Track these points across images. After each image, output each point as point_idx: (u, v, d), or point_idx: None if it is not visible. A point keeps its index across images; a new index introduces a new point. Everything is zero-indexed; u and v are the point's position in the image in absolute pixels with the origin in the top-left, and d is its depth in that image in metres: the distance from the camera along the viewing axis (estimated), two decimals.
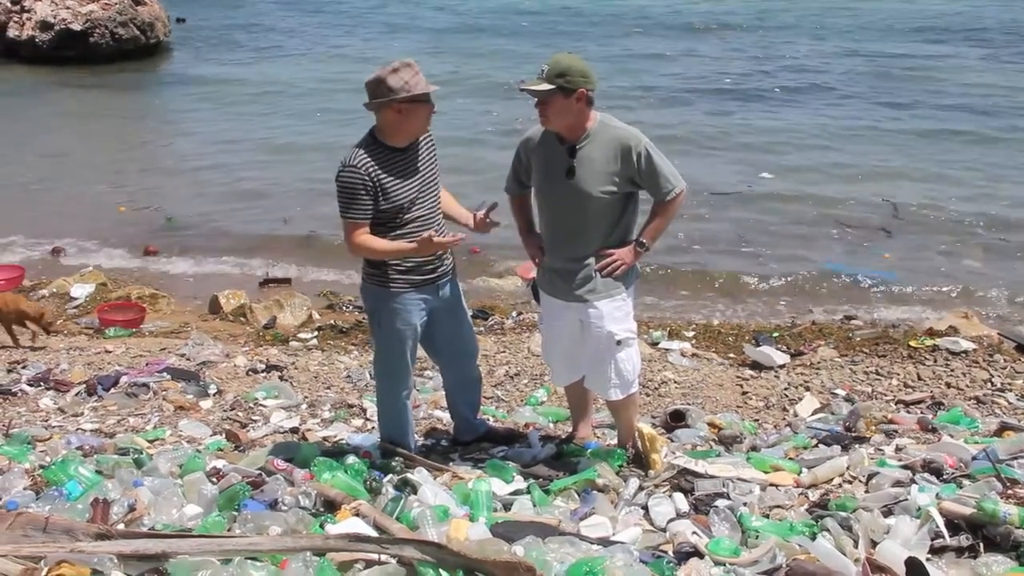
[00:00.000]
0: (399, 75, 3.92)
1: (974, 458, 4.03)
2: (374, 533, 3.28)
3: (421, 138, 4.19)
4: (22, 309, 7.63)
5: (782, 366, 6.75)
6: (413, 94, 3.93)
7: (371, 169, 3.98)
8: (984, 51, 21.68)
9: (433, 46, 23.87)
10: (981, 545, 3.19)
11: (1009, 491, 3.48)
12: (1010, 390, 5.93)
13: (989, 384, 6.08)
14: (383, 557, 3.00)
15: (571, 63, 3.95)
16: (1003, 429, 4.84)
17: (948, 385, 6.10)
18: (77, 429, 5.43)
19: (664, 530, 3.66)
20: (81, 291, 9.24)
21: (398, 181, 4.05)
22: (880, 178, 12.65)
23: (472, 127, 15.40)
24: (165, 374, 6.48)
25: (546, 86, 3.92)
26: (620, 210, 4.16)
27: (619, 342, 4.22)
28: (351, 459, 4.29)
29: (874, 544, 3.30)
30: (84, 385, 6.22)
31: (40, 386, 6.28)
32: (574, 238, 4.18)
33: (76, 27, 22.78)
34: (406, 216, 4.10)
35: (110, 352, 7.29)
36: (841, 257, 10.13)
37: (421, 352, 4.76)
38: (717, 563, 3.25)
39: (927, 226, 10.93)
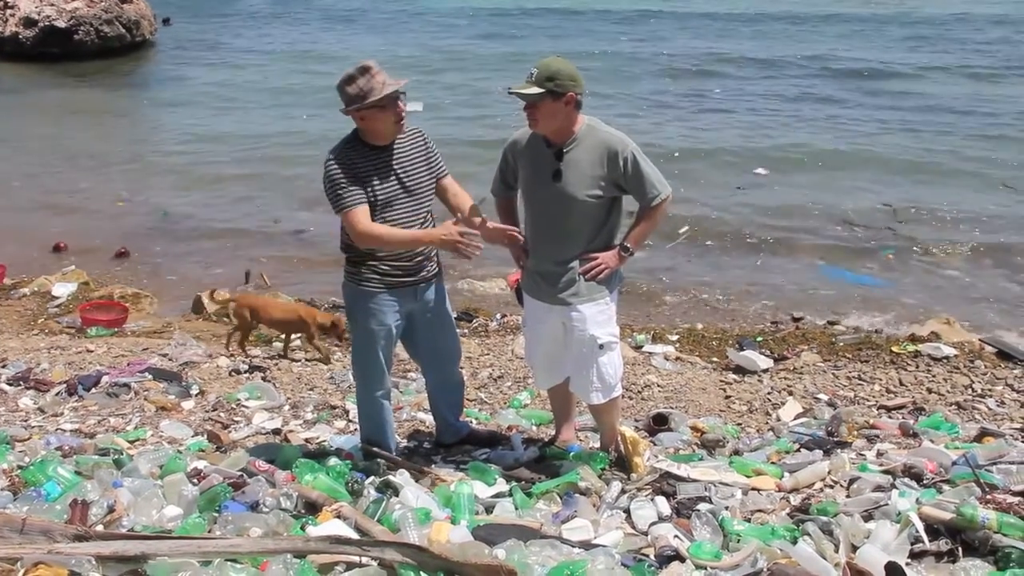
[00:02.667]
0: (356, 83, 3.90)
1: (954, 463, 4.06)
2: (355, 535, 3.27)
3: (407, 138, 4.17)
4: (320, 321, 7.33)
5: (765, 370, 6.77)
6: (369, 102, 3.92)
7: (349, 163, 3.99)
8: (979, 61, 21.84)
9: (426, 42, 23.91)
10: (960, 550, 3.20)
11: (988, 496, 3.50)
12: (990, 396, 5.97)
13: (970, 390, 6.11)
14: (364, 559, 2.99)
15: (560, 67, 3.95)
16: (983, 435, 4.87)
17: (929, 391, 6.14)
18: (57, 429, 5.39)
19: (646, 534, 3.66)
20: (63, 290, 9.18)
21: (375, 178, 4.04)
22: (877, 183, 12.78)
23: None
24: (147, 374, 6.44)
25: (535, 90, 3.91)
26: (605, 214, 4.16)
27: (601, 346, 4.22)
28: (333, 461, 4.28)
29: (854, 548, 3.31)
30: (65, 385, 6.18)
31: (20, 385, 6.24)
32: (559, 241, 4.17)
33: (61, 24, 22.69)
34: (384, 215, 4.07)
35: (91, 352, 7.25)
36: (836, 261, 10.19)
37: (405, 354, 4.76)
38: (699, 567, 3.25)
39: (914, 231, 11.01)
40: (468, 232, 4.00)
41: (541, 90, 3.90)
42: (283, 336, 7.58)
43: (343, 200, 3.99)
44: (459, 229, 4.00)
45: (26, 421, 5.57)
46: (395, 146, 4.13)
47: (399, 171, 4.12)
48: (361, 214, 4.00)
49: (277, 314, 7.42)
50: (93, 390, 6.13)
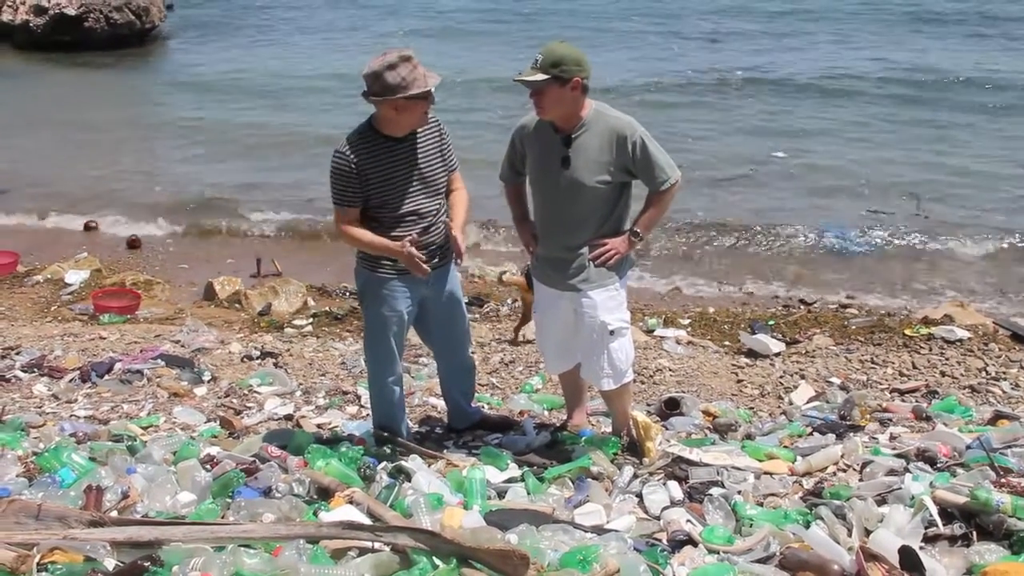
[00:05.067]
0: (396, 72, 3.84)
1: (968, 447, 4.05)
2: (368, 521, 3.28)
3: (423, 130, 4.13)
4: None
5: (777, 354, 6.75)
6: (410, 94, 3.89)
7: (359, 158, 3.97)
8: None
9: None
10: (974, 534, 3.20)
11: (1002, 480, 3.49)
12: (1004, 379, 5.94)
13: (984, 373, 6.08)
14: (377, 545, 3.00)
15: (565, 52, 3.92)
16: (997, 418, 4.85)
17: (943, 374, 6.11)
18: (71, 416, 5.41)
19: (658, 518, 3.66)
20: (75, 277, 9.20)
21: (390, 171, 4.02)
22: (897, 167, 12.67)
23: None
24: (159, 360, 6.45)
25: (541, 76, 3.87)
26: (614, 200, 4.14)
27: (612, 332, 4.21)
28: (345, 446, 4.28)
29: (868, 533, 3.31)
30: (78, 371, 6.20)
31: (34, 372, 6.26)
32: (568, 227, 4.15)
33: (71, 12, 22.62)
34: (400, 209, 4.06)
35: (104, 338, 7.27)
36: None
37: (417, 339, 4.76)
38: (711, 551, 3.26)
39: (932, 212, 10.95)
40: (417, 256, 4.01)
41: (546, 76, 3.86)
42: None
43: (338, 197, 4.06)
44: (412, 251, 4.00)
45: (40, 408, 5.60)
46: (416, 136, 4.11)
47: (416, 162, 4.10)
48: (346, 215, 4.08)
49: None
50: (106, 377, 6.14)
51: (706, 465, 4.10)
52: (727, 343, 7.20)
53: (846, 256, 9.78)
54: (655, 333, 7.34)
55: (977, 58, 19.40)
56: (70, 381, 6.10)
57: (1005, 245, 9.96)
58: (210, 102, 17.92)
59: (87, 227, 11.22)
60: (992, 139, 13.91)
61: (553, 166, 4.07)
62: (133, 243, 10.74)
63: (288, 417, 5.43)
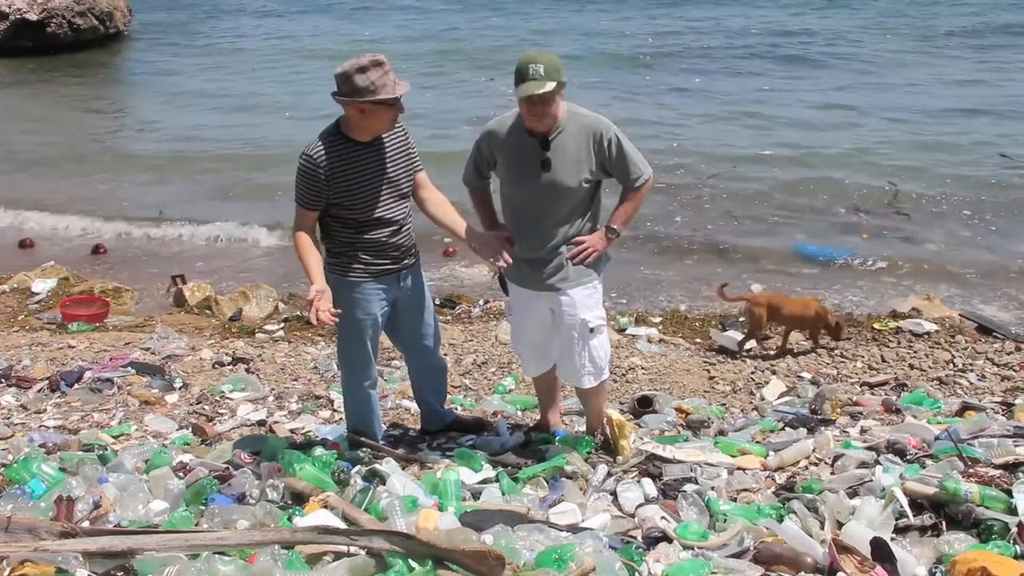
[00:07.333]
0: (367, 75, 3.82)
1: (937, 438, 4.10)
2: (343, 525, 3.27)
3: (389, 134, 4.12)
4: (829, 320, 6.94)
5: (748, 350, 6.80)
6: (377, 98, 3.88)
7: (326, 162, 3.95)
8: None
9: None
10: (944, 524, 3.25)
11: (970, 470, 3.54)
12: (971, 370, 6.02)
13: (951, 365, 6.16)
14: (352, 549, 2.99)
15: (552, 56, 3.90)
16: (964, 409, 4.92)
17: (911, 367, 6.18)
18: (40, 426, 5.36)
19: (633, 515, 3.68)
20: (43, 286, 9.10)
21: (358, 175, 4.01)
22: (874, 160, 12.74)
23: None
24: (130, 368, 6.40)
25: (551, 84, 3.81)
26: (590, 198, 4.15)
27: (592, 329, 4.22)
28: (319, 451, 4.27)
29: (840, 525, 3.35)
30: (47, 381, 6.13)
31: (1, 383, 6.18)
32: (547, 228, 4.13)
33: (32, 17, 22.41)
34: (369, 214, 4.06)
35: (73, 347, 7.20)
36: (814, 238, 10.23)
37: (388, 342, 4.75)
38: (686, 547, 3.27)
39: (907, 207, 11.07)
40: (320, 311, 3.90)
41: (555, 83, 3.83)
42: (785, 331, 7.20)
43: (300, 200, 4.06)
44: (321, 307, 3.90)
45: (8, 419, 5.54)
46: (383, 141, 4.09)
47: (384, 167, 4.09)
48: (304, 217, 4.08)
49: (796, 310, 7.10)
50: (76, 386, 6.08)
51: (679, 462, 4.13)
52: (698, 340, 7.25)
53: (820, 255, 9.82)
54: (627, 332, 7.37)
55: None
56: (39, 391, 6.03)
57: (970, 235, 10.08)
58: (174, 108, 17.66)
59: (23, 244, 10.92)
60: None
61: (532, 169, 4.04)
62: (98, 250, 10.60)
63: (261, 422, 5.41)
